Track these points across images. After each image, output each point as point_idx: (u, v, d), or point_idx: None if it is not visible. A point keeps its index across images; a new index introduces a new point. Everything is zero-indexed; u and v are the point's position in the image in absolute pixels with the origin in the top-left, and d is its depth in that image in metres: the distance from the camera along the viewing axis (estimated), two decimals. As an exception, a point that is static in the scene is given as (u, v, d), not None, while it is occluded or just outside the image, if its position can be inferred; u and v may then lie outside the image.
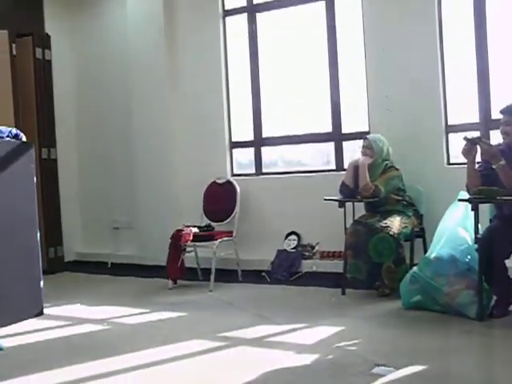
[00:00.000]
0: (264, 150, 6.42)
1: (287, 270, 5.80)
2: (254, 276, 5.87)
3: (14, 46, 6.56)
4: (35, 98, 6.96)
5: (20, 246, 4.75)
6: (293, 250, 5.93)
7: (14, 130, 4.82)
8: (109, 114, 7.28)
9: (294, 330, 4.12)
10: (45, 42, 7.11)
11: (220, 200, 6.09)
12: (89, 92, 7.47)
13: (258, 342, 3.91)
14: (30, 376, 3.50)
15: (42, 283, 4.92)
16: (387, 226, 4.78)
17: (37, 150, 6.04)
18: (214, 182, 6.23)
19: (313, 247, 5.91)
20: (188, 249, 5.73)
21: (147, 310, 4.92)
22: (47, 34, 7.19)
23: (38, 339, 4.27)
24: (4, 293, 4.57)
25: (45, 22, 7.28)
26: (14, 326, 4.55)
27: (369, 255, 4.78)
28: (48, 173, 6.99)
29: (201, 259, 5.99)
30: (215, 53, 6.50)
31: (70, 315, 4.90)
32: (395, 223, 4.84)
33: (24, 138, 4.88)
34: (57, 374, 3.51)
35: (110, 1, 7.24)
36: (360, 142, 5.31)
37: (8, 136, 4.72)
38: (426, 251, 4.81)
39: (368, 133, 5.52)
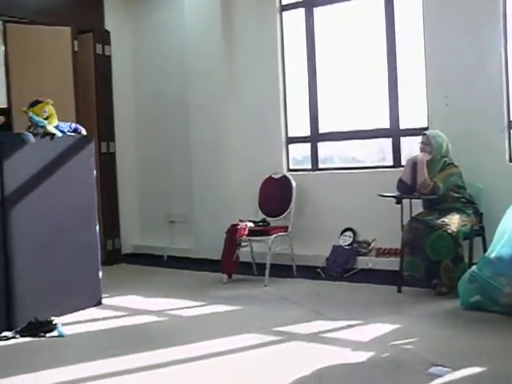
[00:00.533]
0: (319, 145, 6.39)
1: (342, 266, 5.77)
2: (309, 271, 5.86)
3: (75, 42, 6.73)
4: (95, 93, 7.13)
5: (80, 238, 4.88)
6: (348, 247, 5.89)
7: (73, 125, 4.96)
8: (166, 109, 7.37)
9: (350, 326, 4.11)
10: (105, 37, 7.27)
11: (276, 195, 6.09)
12: (147, 87, 7.58)
13: (313, 337, 3.91)
14: (88, 363, 3.60)
15: (100, 274, 5.05)
16: (446, 224, 4.69)
17: (96, 144, 6.19)
18: (270, 177, 6.23)
19: (369, 244, 5.86)
20: (243, 243, 5.77)
21: (202, 303, 4.98)
22: (107, 30, 7.34)
23: (96, 328, 4.39)
24: (66, 283, 4.72)
25: (105, 19, 7.43)
26: (74, 314, 4.69)
27: (426, 253, 4.71)
28: (107, 166, 7.15)
29: (256, 254, 6.02)
30: (272, 48, 6.49)
31: (127, 306, 5.01)
32: (454, 221, 4.75)
33: (83, 132, 5.00)
34: (113, 362, 3.59)
35: (168, -3, 7.35)
36: (418, 138, 5.23)
37: (68, 131, 4.86)
38: (485, 250, 4.70)
39: (427, 128, 5.43)
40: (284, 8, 6.54)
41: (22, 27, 6.48)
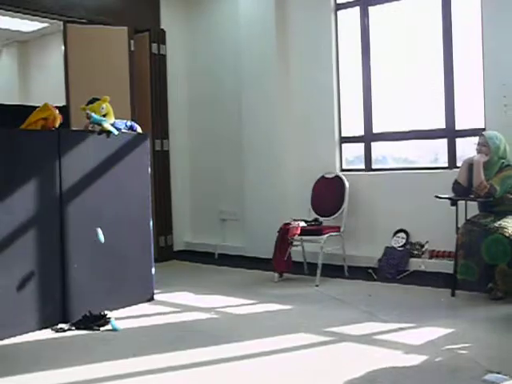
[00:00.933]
0: (373, 145, 6.32)
1: (394, 267, 5.69)
2: (361, 272, 5.81)
3: (132, 42, 6.83)
4: (150, 92, 7.22)
5: (135, 234, 4.96)
6: (401, 248, 5.81)
7: (129, 122, 5.04)
8: (219, 108, 7.41)
9: (402, 329, 4.04)
10: (160, 37, 7.36)
11: (328, 195, 6.06)
12: (200, 86, 7.64)
13: (365, 339, 3.86)
14: (138, 358, 3.64)
15: (153, 270, 5.11)
16: (502, 227, 4.57)
17: (150, 142, 6.27)
18: (323, 177, 6.20)
19: (422, 246, 5.76)
20: (295, 243, 5.75)
21: (253, 302, 4.98)
22: (162, 29, 7.41)
23: (148, 323, 4.43)
24: (120, 278, 4.80)
25: (161, 18, 7.51)
26: (127, 309, 4.76)
27: (481, 256, 4.59)
28: (160, 164, 7.23)
29: (307, 253, 6.00)
30: (326, 47, 6.45)
31: (179, 302, 5.04)
32: (511, 224, 4.62)
33: (139, 130, 5.07)
34: (164, 358, 3.63)
35: (223, -4, 7.39)
36: (475, 139, 5.11)
37: (124, 128, 4.93)
38: (544, 255, 4.56)
39: (484, 129, 5.30)
40: (339, 7, 6.48)
41: (80, 27, 6.62)
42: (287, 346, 3.77)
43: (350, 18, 6.42)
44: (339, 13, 6.48)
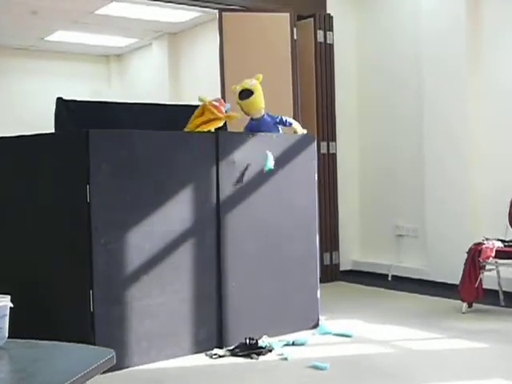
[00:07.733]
0: None
1: None
2: None
3: (295, 30, 6.91)
4: (315, 86, 7.24)
5: (299, 251, 5.01)
6: None
7: (281, 117, 5.12)
8: (394, 106, 7.30)
9: None
10: (327, 23, 7.37)
11: (530, 210, 5.76)
12: (372, 79, 7.57)
13: None
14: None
15: (318, 293, 5.12)
16: None
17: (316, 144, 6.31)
18: (523, 189, 5.92)
19: None
20: (488, 267, 5.52)
21: (437, 336, 4.85)
22: (329, 14, 7.42)
23: (314, 355, 4.40)
24: (282, 300, 4.88)
25: (327, 2, 7.52)
26: (288, 336, 4.77)
27: None
28: (326, 169, 7.24)
29: (503, 280, 5.74)
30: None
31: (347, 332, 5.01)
32: None
33: (294, 124, 5.13)
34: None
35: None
36: None
37: (275, 123, 5.04)
38: None
39: None
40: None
41: (237, 15, 6.82)
42: (482, 393, 3.63)
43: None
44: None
